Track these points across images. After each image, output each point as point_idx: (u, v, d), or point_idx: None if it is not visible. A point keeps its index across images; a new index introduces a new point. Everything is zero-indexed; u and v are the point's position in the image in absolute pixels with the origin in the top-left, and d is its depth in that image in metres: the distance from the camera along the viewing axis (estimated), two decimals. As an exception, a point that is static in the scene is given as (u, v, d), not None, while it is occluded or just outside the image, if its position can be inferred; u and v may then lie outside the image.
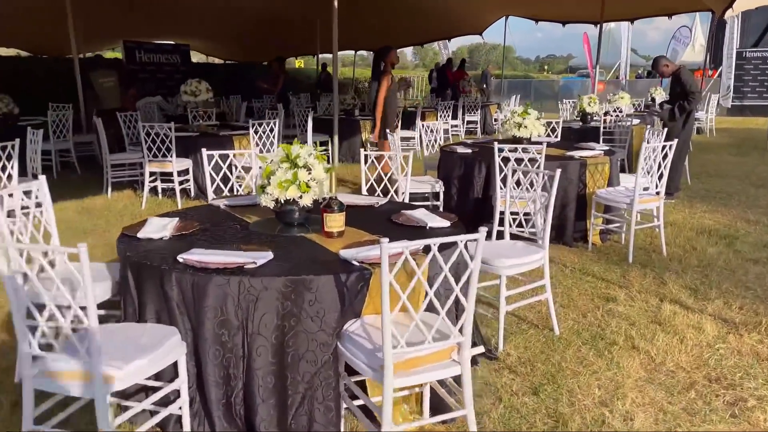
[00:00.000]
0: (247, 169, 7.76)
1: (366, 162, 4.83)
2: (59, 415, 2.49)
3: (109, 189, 7.82)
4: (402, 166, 4.98)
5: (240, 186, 5.28)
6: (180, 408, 2.57)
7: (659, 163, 5.24)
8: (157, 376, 2.57)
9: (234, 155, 5.18)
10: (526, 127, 6.18)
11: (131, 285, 2.72)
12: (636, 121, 8.83)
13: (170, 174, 7.32)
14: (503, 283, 3.57)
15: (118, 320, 2.87)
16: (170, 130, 7.03)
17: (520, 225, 4.28)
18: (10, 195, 3.23)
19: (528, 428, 2.86)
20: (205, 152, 4.60)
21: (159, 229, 3.08)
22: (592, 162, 5.67)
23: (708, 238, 5.88)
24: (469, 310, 2.37)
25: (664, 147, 5.21)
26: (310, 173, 3.10)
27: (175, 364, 2.52)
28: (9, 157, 5.62)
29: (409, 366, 2.31)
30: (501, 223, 5.58)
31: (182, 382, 2.56)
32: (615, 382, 3.25)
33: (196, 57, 23.96)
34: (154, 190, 7.70)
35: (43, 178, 3.33)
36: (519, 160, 5.11)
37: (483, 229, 2.27)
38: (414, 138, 10.89)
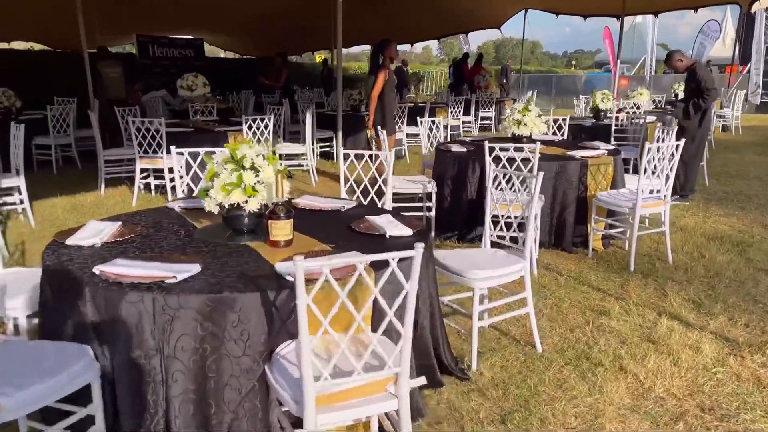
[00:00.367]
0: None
1: (346, 161, 4.54)
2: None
3: (102, 185, 7.65)
4: (384, 167, 4.68)
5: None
6: (95, 436, 2.32)
7: (665, 164, 4.87)
8: (73, 399, 2.32)
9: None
10: (525, 124, 5.84)
11: (48, 298, 2.48)
12: (651, 119, 8.41)
13: (163, 170, 7.12)
14: (476, 296, 3.26)
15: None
16: (161, 125, 6.82)
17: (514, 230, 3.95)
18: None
19: (488, 464, 2.56)
20: (174, 150, 4.35)
21: (93, 234, 2.83)
22: (594, 162, 5.31)
23: (719, 245, 5.49)
24: (406, 337, 2.07)
25: (669, 147, 4.84)
26: (258, 176, 2.83)
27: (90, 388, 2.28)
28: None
29: (335, 400, 2.02)
30: (495, 226, 5.27)
31: (96, 408, 2.30)
32: (595, 410, 2.93)
33: (213, 52, 23.91)
34: (148, 187, 7.52)
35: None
36: (512, 160, 4.79)
37: (420, 246, 1.97)
38: (419, 135, 10.57)
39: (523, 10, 17.40)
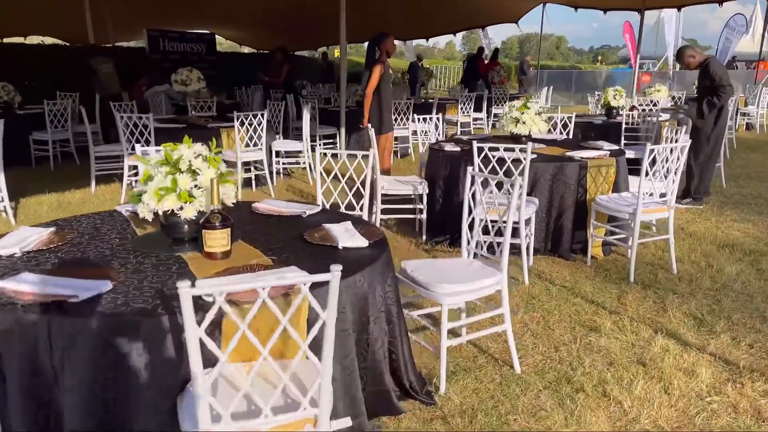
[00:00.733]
0: (231, 164, 7.31)
1: (323, 161, 4.27)
2: None
3: (93, 182, 7.47)
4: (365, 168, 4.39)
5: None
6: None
7: (670, 167, 4.52)
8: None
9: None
10: (524, 123, 5.51)
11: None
12: (665, 117, 8.00)
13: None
14: (444, 312, 2.96)
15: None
16: (149, 120, 6.61)
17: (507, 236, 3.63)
18: None
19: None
20: (139, 149, 4.10)
21: (16, 242, 2.59)
22: (595, 164, 4.97)
23: (730, 253, 5.11)
24: (323, 373, 1.79)
25: (674, 149, 4.48)
26: (196, 179, 2.57)
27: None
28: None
29: (240, 445, 1.75)
30: (486, 232, 4.96)
31: (-9, 441, 2.06)
32: (569, 444, 2.63)
33: (234, 47, 23.81)
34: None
35: None
36: (505, 161, 4.48)
37: (336, 269, 1.68)
38: (427, 131, 10.24)
39: (541, 5, 16.97)
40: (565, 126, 6.83)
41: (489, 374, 3.20)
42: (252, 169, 7.51)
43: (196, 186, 2.56)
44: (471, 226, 3.59)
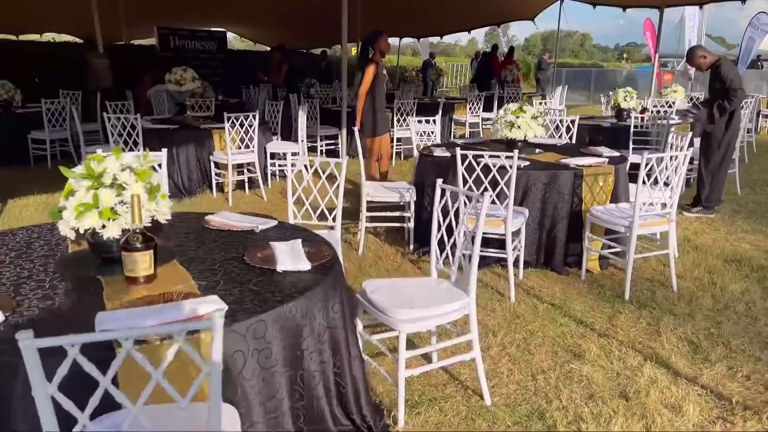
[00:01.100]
0: (222, 166, 7.12)
1: (294, 167, 4.04)
2: None
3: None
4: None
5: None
6: None
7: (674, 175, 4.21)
8: None
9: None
10: (519, 127, 5.21)
11: None
12: (675, 120, 7.63)
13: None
14: (402, 341, 2.71)
15: None
16: (137, 121, 6.43)
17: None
18: None
19: None
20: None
21: (-71, 262, 2.39)
22: (591, 172, 4.66)
23: (737, 269, 4.78)
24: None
25: (674, 157, 4.17)
26: (121, 195, 2.35)
27: None
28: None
29: None
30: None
31: None
32: (530, 493, 2.36)
33: (249, 45, 23.70)
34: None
35: None
36: (495, 168, 4.20)
37: (219, 315, 1.43)
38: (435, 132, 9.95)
39: (558, 2, 16.57)
40: (568, 129, 6.52)
41: (455, 406, 2.94)
42: (245, 171, 7.31)
43: (121, 202, 2.34)
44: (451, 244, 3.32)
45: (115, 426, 1.69)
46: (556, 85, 16.11)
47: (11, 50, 15.98)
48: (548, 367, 3.29)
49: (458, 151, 4.21)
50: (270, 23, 19.26)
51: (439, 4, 15.74)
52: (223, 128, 7.00)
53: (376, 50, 6.52)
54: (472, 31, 19.75)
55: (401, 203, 5.26)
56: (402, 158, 10.05)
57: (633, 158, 4.07)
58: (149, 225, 2.46)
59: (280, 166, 8.06)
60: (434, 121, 7.23)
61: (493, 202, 4.24)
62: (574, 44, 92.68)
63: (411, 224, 5.22)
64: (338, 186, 3.91)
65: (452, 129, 12.01)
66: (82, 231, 2.33)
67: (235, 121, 6.68)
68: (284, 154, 7.82)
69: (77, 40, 16.70)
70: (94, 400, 1.40)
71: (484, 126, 12.21)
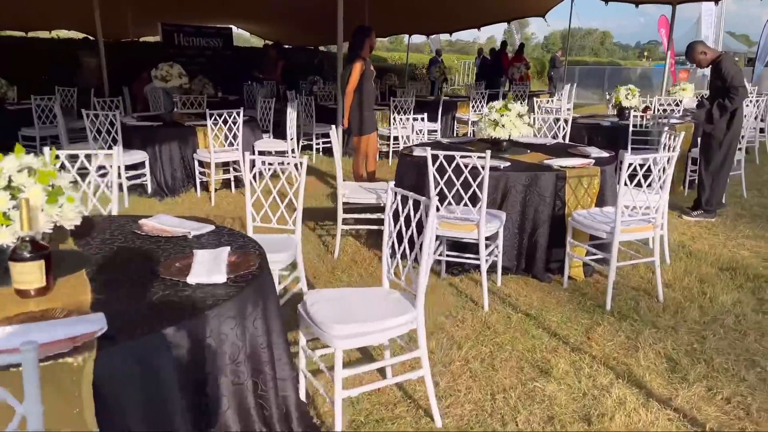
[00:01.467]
0: (206, 164, 6.94)
1: (253, 168, 3.84)
2: None
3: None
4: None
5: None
6: None
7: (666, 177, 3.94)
8: None
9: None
10: (503, 126, 4.96)
11: None
12: (677, 120, 7.31)
13: (132, 168, 6.64)
14: (337, 359, 2.48)
15: None
16: (116, 118, 6.26)
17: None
18: None
19: None
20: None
21: None
22: (575, 174, 4.40)
23: (731, 278, 4.49)
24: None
25: (659, 159, 3.90)
26: (15, 198, 2.14)
27: None
28: None
29: None
30: (453, 248, 4.47)
31: None
32: None
33: (250, 41, 23.57)
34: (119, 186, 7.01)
35: None
36: (473, 168, 3.96)
37: (29, 348, 1.22)
38: (436, 131, 9.70)
39: (569, -2, 16.22)
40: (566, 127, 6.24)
41: (403, 427, 2.71)
42: (231, 170, 7.12)
43: (15, 207, 2.14)
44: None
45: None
46: (567, 83, 15.76)
47: (20, 47, 16.02)
48: (510, 385, 3.05)
49: (428, 151, 3.98)
50: (280, 20, 19.11)
51: (447, 1, 15.46)
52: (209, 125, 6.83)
53: (366, 45, 6.28)
54: (489, 29, 19.43)
55: (380, 205, 5.03)
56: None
57: (630, 159, 3.79)
58: (73, 229, 2.27)
59: (269, 164, 7.86)
60: (422, 119, 7.03)
61: (465, 204, 4.00)
62: (594, 42, 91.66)
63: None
64: (298, 187, 3.69)
65: (455, 127, 11.75)
66: (-25, 237, 2.13)
67: (218, 118, 6.49)
68: (276, 152, 7.65)
69: (84, 36, 16.67)
70: None
71: (487, 124, 11.89)
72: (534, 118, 6.62)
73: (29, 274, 2.02)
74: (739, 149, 6.77)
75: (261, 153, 7.59)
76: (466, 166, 3.92)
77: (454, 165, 3.95)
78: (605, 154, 4.94)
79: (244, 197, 6.92)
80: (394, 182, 5.10)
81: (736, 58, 35.10)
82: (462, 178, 3.93)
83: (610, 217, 4.10)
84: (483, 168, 3.83)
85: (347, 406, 2.83)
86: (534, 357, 3.34)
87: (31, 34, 17.67)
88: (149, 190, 6.84)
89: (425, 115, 8.51)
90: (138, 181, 6.81)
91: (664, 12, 18.94)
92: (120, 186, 6.58)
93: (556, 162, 4.54)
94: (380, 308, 2.67)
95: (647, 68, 31.89)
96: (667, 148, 4.81)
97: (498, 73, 16.69)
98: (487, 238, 4.26)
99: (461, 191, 3.97)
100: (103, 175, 6.70)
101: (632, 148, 6.75)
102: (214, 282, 2.17)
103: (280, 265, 3.40)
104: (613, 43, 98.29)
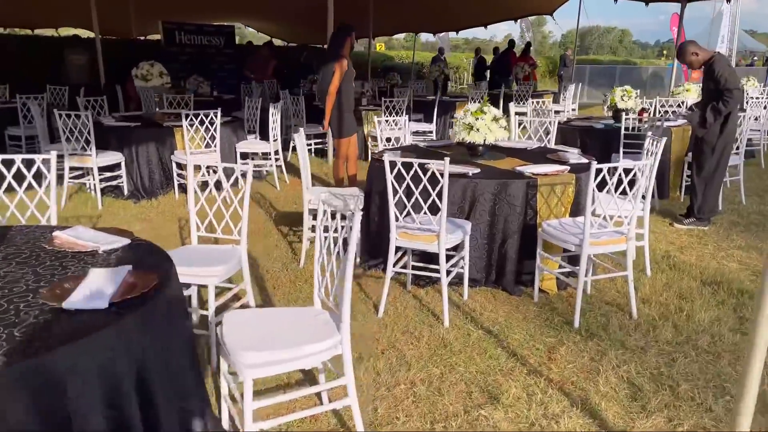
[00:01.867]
0: (184, 166, 6.77)
1: (197, 172, 3.64)
2: None
3: (43, 183, 7.03)
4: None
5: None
6: None
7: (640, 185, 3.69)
8: None
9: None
10: (478, 130, 4.72)
11: None
12: (678, 122, 7.02)
13: (107, 169, 6.52)
14: (248, 390, 2.27)
15: None
16: (87, 118, 6.11)
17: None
18: None
19: None
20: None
21: None
22: (547, 181, 4.16)
23: (713, 293, 4.23)
24: None
25: (628, 169, 3.65)
26: None
27: None
28: None
29: None
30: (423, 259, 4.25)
31: None
32: None
33: (255, 39, 23.42)
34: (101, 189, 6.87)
35: None
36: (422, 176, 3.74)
37: None
38: (431, 132, 9.47)
39: (577, -4, 15.90)
40: (547, 132, 5.99)
41: (327, 461, 2.50)
42: (211, 172, 6.94)
43: None
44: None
45: None
46: (576, 83, 15.43)
47: (27, 44, 16.03)
48: (454, 413, 2.83)
49: (386, 157, 3.76)
50: (287, 18, 18.97)
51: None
52: (189, 126, 6.67)
53: (347, 44, 6.06)
54: (505, 27, 19.15)
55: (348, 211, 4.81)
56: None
57: (598, 166, 3.54)
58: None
59: (256, 166, 7.71)
60: (408, 119, 6.79)
61: (425, 213, 3.78)
62: (612, 41, 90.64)
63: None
64: (242, 197, 3.50)
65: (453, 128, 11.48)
66: None
67: (194, 119, 6.32)
68: (263, 154, 7.47)
69: (74, 33, 16.64)
70: None
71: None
72: (529, 121, 6.39)
73: None
74: (736, 153, 6.48)
75: (243, 155, 7.41)
76: (425, 173, 3.70)
77: (412, 172, 3.72)
78: (584, 160, 4.68)
79: (224, 200, 6.77)
80: (365, 187, 4.92)
81: (755, 57, 34.38)
82: (421, 186, 3.71)
83: (581, 228, 3.86)
84: (442, 175, 3.61)
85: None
86: (486, 380, 3.11)
87: (37, 32, 17.72)
88: (125, 192, 6.68)
89: (408, 117, 8.26)
90: (114, 183, 6.67)
91: (676, 10, 18.51)
92: (94, 187, 6.44)
93: (529, 169, 4.30)
94: (302, 332, 2.46)
95: (661, 67, 31.26)
96: (648, 154, 4.54)
97: (506, 73, 16.35)
98: (452, 249, 4.05)
99: (420, 200, 3.75)
100: (76, 177, 6.57)
101: (624, 153, 6.48)
102: (94, 308, 1.97)
103: (216, 280, 3.20)
104: (633, 42, 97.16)
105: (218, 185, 7.07)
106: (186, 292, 3.51)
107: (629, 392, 3.00)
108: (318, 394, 2.89)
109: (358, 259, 4.82)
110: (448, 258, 4.02)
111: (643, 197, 4.31)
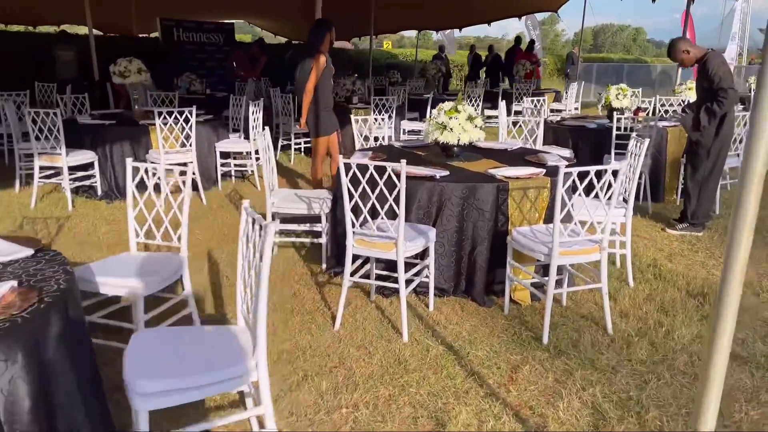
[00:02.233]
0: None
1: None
2: None
3: (17, 182, 6.85)
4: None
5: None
6: None
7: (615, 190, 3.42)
8: None
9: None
10: (452, 129, 4.45)
11: None
12: (673, 122, 6.71)
13: (80, 169, 6.32)
14: (142, 424, 2.03)
15: None
16: (57, 116, 5.90)
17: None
18: None
19: None
20: None
21: None
22: (519, 185, 3.88)
23: (698, 306, 3.94)
24: None
25: (603, 171, 3.37)
26: None
27: None
28: None
29: None
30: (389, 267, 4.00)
31: None
32: None
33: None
34: (76, 188, 6.66)
35: None
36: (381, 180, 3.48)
37: None
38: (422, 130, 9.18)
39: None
40: (532, 132, 5.70)
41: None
42: (187, 172, 6.71)
43: None
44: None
45: None
46: (581, 81, 15.09)
47: (27, 41, 15.89)
48: (396, 441, 2.57)
49: (341, 160, 3.50)
50: (292, 15, 18.73)
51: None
52: (165, 124, 6.44)
53: (326, 40, 5.80)
54: (517, 25, 18.78)
55: (315, 214, 4.57)
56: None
57: (568, 170, 3.28)
58: None
59: (236, 166, 7.50)
60: (390, 117, 6.55)
61: (383, 218, 3.52)
62: (626, 39, 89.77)
63: (323, 239, 4.53)
64: (183, 199, 3.26)
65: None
66: None
67: (168, 117, 6.09)
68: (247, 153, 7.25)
69: (61, 29, 16.49)
70: None
71: (487, 125, 11.35)
72: (524, 121, 6.12)
73: None
74: (737, 155, 6.16)
75: (223, 154, 7.18)
76: (381, 176, 3.44)
77: (368, 175, 3.46)
78: (564, 162, 4.40)
79: (200, 200, 6.56)
80: (334, 189, 4.67)
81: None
82: (378, 190, 3.45)
83: (550, 237, 3.58)
84: (399, 178, 3.35)
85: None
86: (436, 404, 2.85)
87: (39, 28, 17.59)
88: (99, 191, 6.47)
89: (402, 115, 8.01)
90: (87, 182, 6.46)
91: (683, 7, 18.10)
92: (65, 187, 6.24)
93: (501, 171, 4.03)
94: (214, 355, 2.22)
95: (671, 65, 30.72)
96: (630, 155, 4.25)
97: (509, 70, 16.02)
98: (415, 257, 3.80)
99: (377, 205, 3.50)
100: (47, 177, 6.35)
101: (616, 153, 6.19)
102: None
103: (146, 291, 2.96)
104: (647, 40, 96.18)
105: (195, 186, 6.88)
106: (124, 303, 3.30)
107: (591, 419, 2.73)
108: (250, 419, 2.65)
109: (324, 266, 4.58)
110: (413, 266, 3.78)
111: (626, 201, 4.04)
